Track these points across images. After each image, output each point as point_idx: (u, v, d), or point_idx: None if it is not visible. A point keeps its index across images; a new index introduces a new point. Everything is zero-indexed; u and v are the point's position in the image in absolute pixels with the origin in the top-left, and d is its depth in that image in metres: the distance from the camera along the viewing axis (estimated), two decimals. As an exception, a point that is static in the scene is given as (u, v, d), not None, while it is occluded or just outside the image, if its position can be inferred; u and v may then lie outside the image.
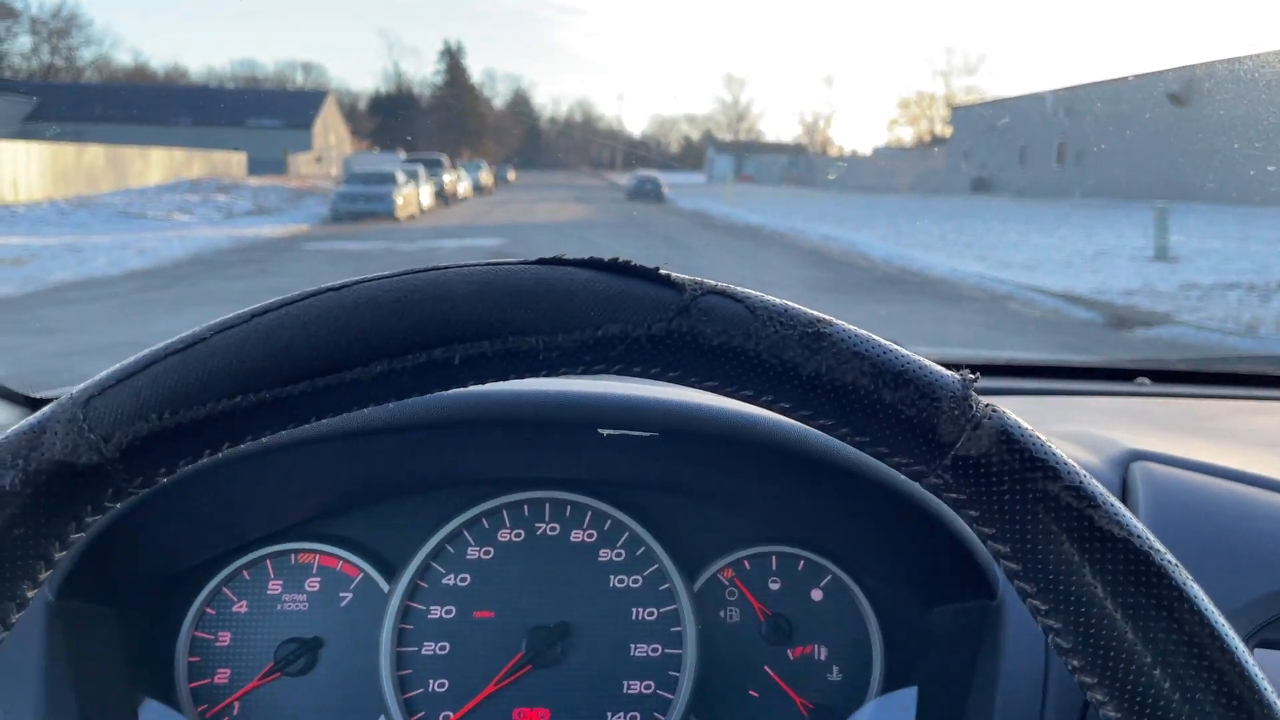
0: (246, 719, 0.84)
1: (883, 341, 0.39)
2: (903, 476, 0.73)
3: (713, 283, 0.39)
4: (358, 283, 0.38)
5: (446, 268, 0.38)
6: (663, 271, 0.39)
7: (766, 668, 0.87)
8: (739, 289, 0.39)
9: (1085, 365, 1.40)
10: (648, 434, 0.79)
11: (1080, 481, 0.37)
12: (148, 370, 0.36)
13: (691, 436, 0.80)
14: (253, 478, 0.80)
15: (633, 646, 0.86)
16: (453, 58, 53.77)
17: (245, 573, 0.87)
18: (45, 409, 0.36)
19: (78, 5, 37.07)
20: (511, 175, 36.77)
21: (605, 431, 0.79)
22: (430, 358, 0.36)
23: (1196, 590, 0.36)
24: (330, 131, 37.85)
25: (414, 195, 17.94)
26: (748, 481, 0.86)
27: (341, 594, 0.87)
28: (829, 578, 0.89)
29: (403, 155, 21.67)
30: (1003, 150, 25.64)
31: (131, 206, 16.51)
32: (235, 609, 0.86)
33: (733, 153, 52.33)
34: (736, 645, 0.88)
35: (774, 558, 0.90)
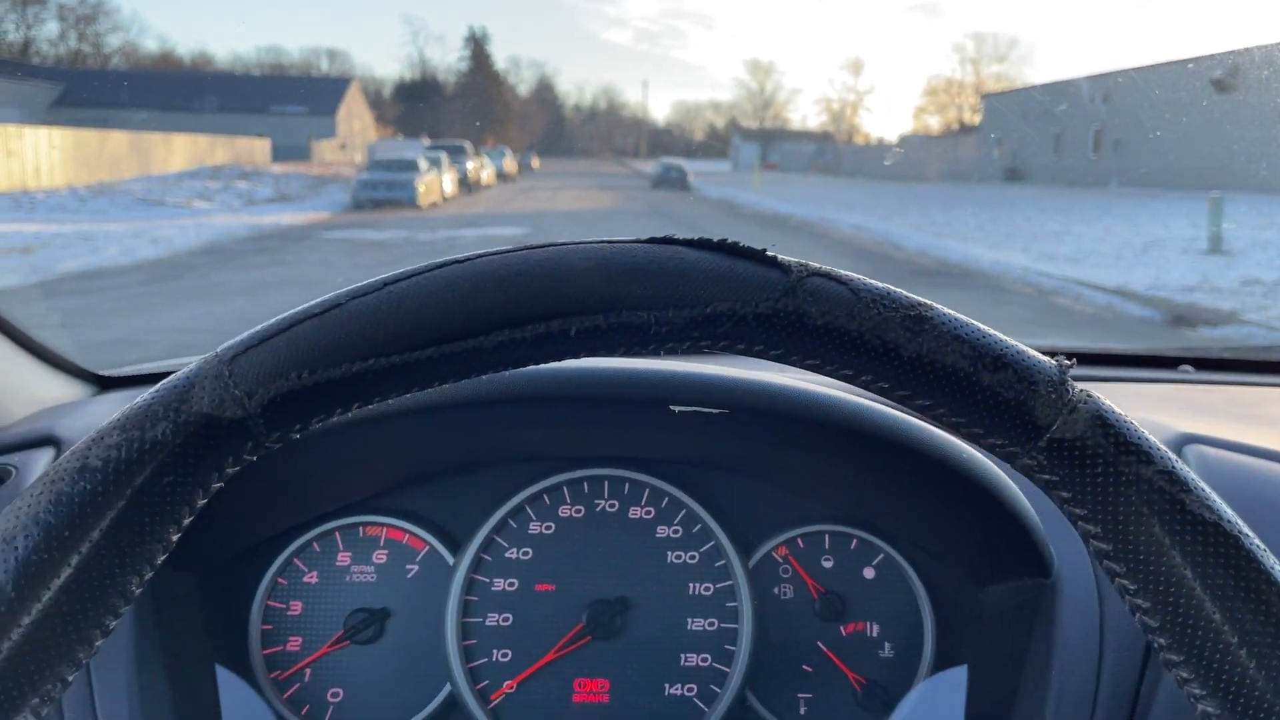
0: (316, 685, 0.87)
1: (982, 326, 0.40)
2: (962, 453, 0.75)
3: (817, 265, 0.40)
4: (481, 256, 0.39)
5: (563, 244, 0.40)
6: (769, 253, 0.40)
7: (820, 643, 0.89)
8: (844, 272, 0.40)
9: (1128, 353, 1.38)
10: (717, 410, 0.81)
11: (1173, 466, 0.38)
12: (288, 332, 0.38)
13: (758, 413, 0.81)
14: (325, 453, 0.82)
15: (689, 621, 0.88)
16: (477, 44, 53.52)
17: (316, 545, 0.89)
18: (191, 365, 0.38)
19: None
20: (536, 163, 36.68)
21: (677, 408, 0.81)
22: (548, 329, 0.38)
23: None
24: (354, 118, 37.79)
25: (436, 182, 17.51)
26: (807, 459, 0.88)
27: (408, 566, 0.89)
28: (881, 556, 0.90)
29: (426, 142, 21.41)
30: (1037, 138, 24.99)
31: (151, 193, 16.31)
32: (306, 579, 0.89)
33: (758, 140, 51.89)
34: (790, 621, 0.89)
35: (827, 536, 0.91)
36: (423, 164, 17.16)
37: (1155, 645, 0.38)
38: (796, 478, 0.90)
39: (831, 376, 0.40)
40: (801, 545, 0.91)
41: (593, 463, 0.90)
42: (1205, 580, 0.37)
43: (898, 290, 0.40)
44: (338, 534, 0.90)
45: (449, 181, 18.56)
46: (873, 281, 0.40)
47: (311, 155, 29.47)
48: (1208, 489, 0.38)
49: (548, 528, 0.90)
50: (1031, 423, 0.38)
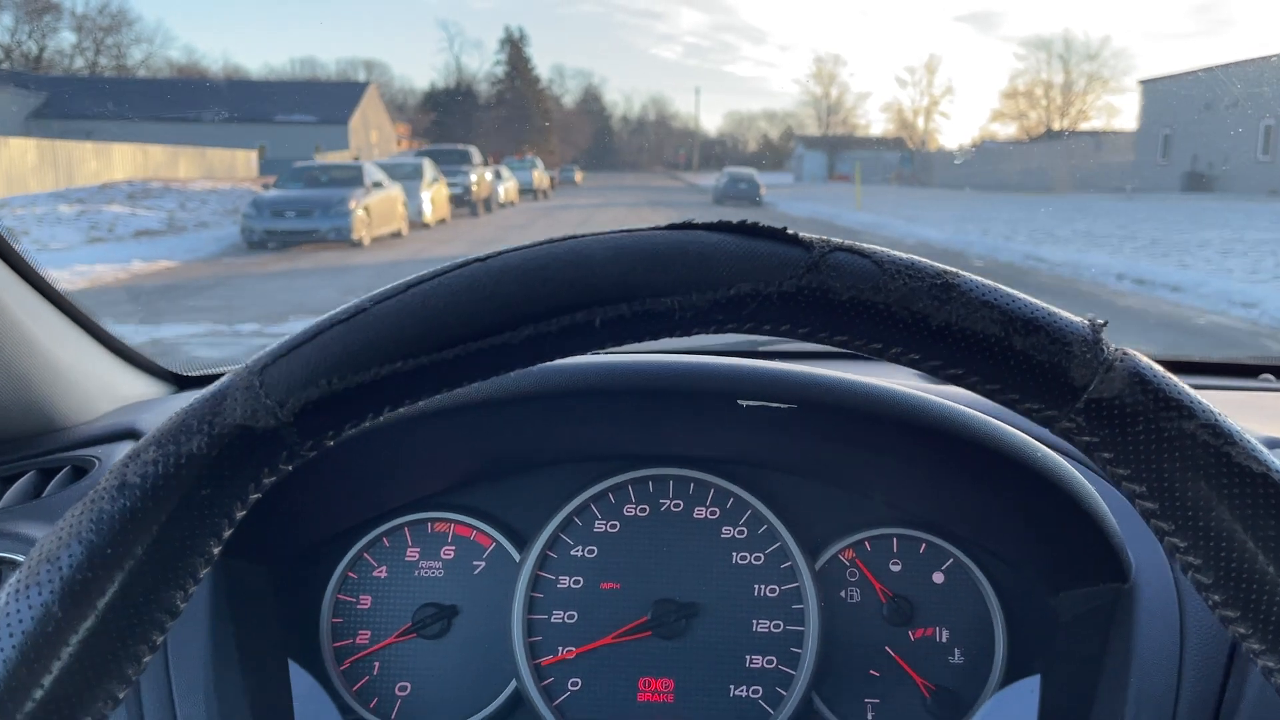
0: (385, 679, 0.88)
1: (1011, 290, 0.39)
2: (1037, 452, 0.74)
3: (839, 240, 0.40)
4: (503, 253, 0.39)
5: (584, 236, 0.40)
6: (790, 231, 0.39)
7: (887, 648, 0.87)
8: (866, 245, 0.40)
9: (1206, 361, 1.32)
10: (786, 406, 0.80)
11: (1216, 419, 0.37)
12: (316, 340, 0.38)
13: (827, 409, 0.80)
14: (393, 449, 0.83)
15: (755, 622, 0.87)
16: (514, 47, 48.60)
17: (385, 540, 0.91)
18: (223, 378, 0.39)
19: (125, 1, 34.05)
20: (578, 177, 32.81)
21: (745, 403, 0.80)
22: (573, 320, 0.38)
23: None
24: (371, 128, 33.31)
25: (391, 204, 11.59)
26: (877, 459, 0.86)
27: (475, 562, 0.90)
28: (950, 561, 0.89)
29: (402, 148, 15.92)
30: (1227, 135, 18.71)
31: (-13, 220, 11.04)
32: (375, 574, 0.90)
33: (824, 149, 46.65)
34: (857, 625, 0.88)
35: (895, 540, 0.89)
36: (372, 176, 11.36)
37: (1209, 603, 0.38)
38: (864, 479, 0.89)
39: (861, 352, 0.39)
40: (869, 548, 0.89)
41: (658, 462, 0.90)
42: (1257, 532, 0.36)
43: (923, 260, 0.39)
44: (407, 529, 0.91)
45: (430, 200, 12.93)
46: (898, 253, 0.39)
47: (314, 169, 24.80)
48: (1254, 441, 0.37)
49: (613, 526, 0.90)
50: (1068, 384, 0.38)
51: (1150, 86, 22.55)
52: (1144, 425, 0.37)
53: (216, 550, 0.37)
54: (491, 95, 48.02)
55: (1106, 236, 11.59)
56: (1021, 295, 0.39)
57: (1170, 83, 21.25)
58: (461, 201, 15.04)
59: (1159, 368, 0.38)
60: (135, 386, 1.10)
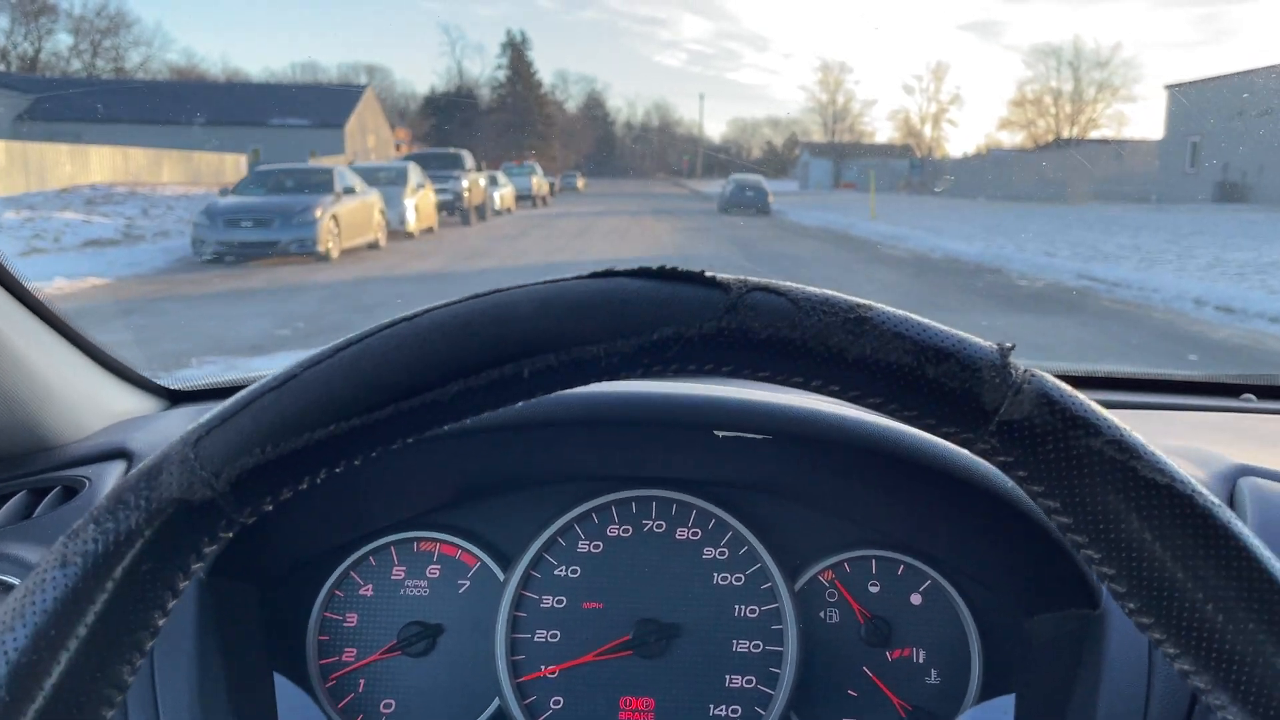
0: (370, 696, 0.89)
1: (922, 320, 0.41)
2: (1007, 482, 0.74)
3: (756, 280, 0.41)
4: (430, 310, 0.40)
5: (509, 289, 0.41)
6: (708, 274, 0.41)
7: (865, 668, 0.88)
8: (782, 283, 0.41)
9: (1189, 380, 1.32)
10: (761, 436, 0.82)
11: (1120, 435, 0.39)
12: (248, 409, 0.38)
13: (802, 439, 0.82)
14: (380, 471, 0.84)
15: (735, 642, 0.88)
16: (516, 50, 47.81)
17: (371, 559, 0.91)
18: (158, 452, 0.39)
19: (123, 3, 33.59)
20: (580, 183, 31.97)
21: (721, 434, 0.82)
22: (501, 374, 0.39)
23: (1241, 528, 0.38)
24: (369, 132, 32.64)
25: (366, 212, 10.32)
26: (853, 485, 0.88)
27: (460, 581, 0.91)
28: (928, 583, 0.90)
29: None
30: (1261, 143, 17.74)
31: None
32: (362, 592, 0.91)
33: (830, 156, 45.91)
34: (836, 645, 0.89)
35: (874, 561, 0.90)
36: (345, 182, 10.15)
37: (1126, 610, 0.39)
38: (842, 503, 0.90)
39: (784, 385, 0.41)
40: (848, 570, 0.90)
41: (641, 483, 0.91)
42: (1165, 541, 0.37)
43: (837, 295, 0.41)
44: (393, 549, 0.91)
45: (415, 208, 11.81)
46: (811, 289, 0.41)
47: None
48: (1158, 453, 0.39)
49: (596, 547, 0.91)
50: (979, 408, 0.39)
51: (1177, 92, 21.54)
52: (1054, 444, 0.38)
53: (162, 622, 0.38)
54: (493, 100, 47.28)
55: (1160, 252, 10.53)
56: (933, 324, 0.40)
57: (1198, 88, 20.27)
58: (452, 209, 14.04)
59: (1066, 387, 0.40)
60: (127, 402, 1.09)
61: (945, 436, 0.40)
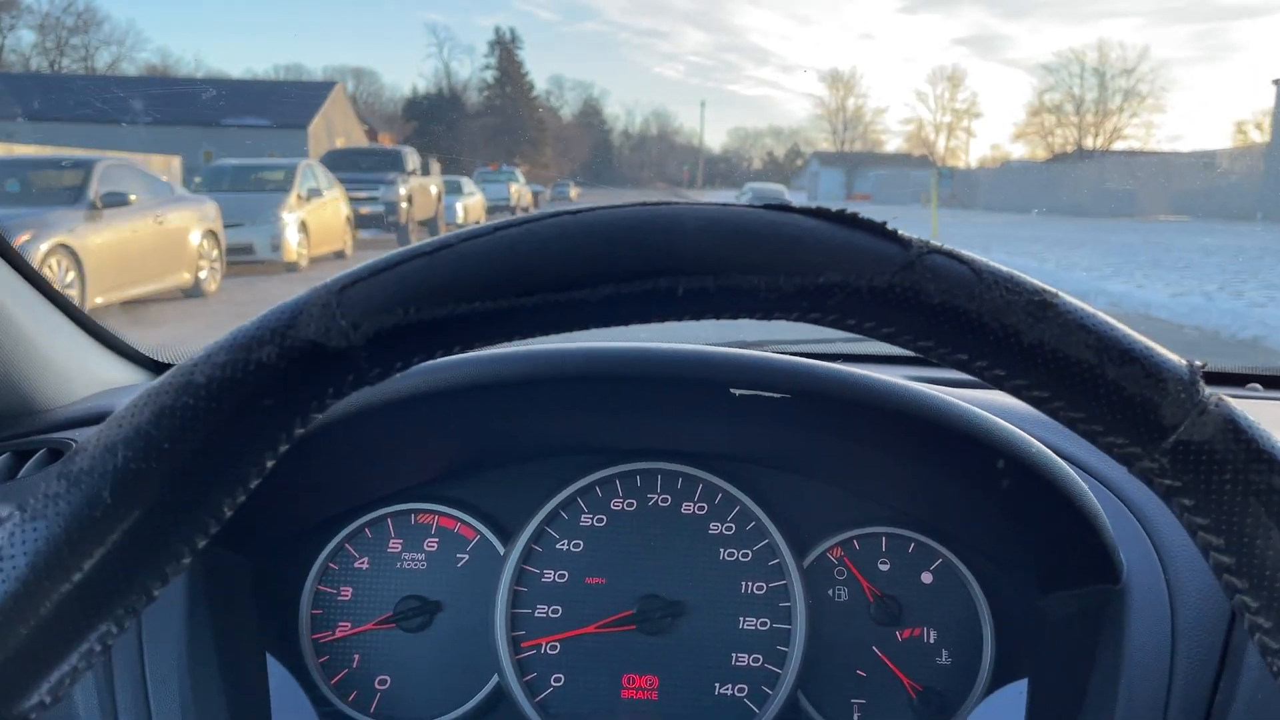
0: (364, 672, 0.86)
1: (1110, 319, 0.38)
2: (1030, 448, 0.72)
3: (938, 243, 0.38)
4: (595, 209, 0.39)
5: (679, 204, 0.39)
6: (889, 226, 0.38)
7: (875, 648, 0.87)
8: (966, 252, 0.39)
9: None
10: (779, 395, 0.79)
11: None
12: (398, 268, 0.37)
13: (819, 399, 0.79)
14: (378, 436, 0.82)
15: (741, 619, 0.87)
16: (505, 50, 44.51)
17: (367, 530, 0.90)
18: (302, 293, 0.38)
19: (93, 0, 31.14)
20: (574, 193, 29.01)
21: (737, 391, 0.79)
22: (655, 286, 0.37)
23: None
24: (337, 134, 29.11)
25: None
26: (870, 452, 0.85)
27: (459, 555, 0.89)
28: (939, 561, 0.88)
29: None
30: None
31: None
32: (357, 565, 0.89)
33: (841, 166, 42.67)
34: (844, 624, 0.87)
35: (884, 539, 0.89)
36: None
37: (1273, 669, 0.36)
38: (855, 475, 0.88)
39: (942, 361, 0.38)
40: (857, 547, 0.89)
41: (645, 456, 0.89)
42: None
43: (1022, 274, 0.38)
44: (390, 520, 0.90)
45: (299, 224, 8.32)
46: (996, 264, 0.38)
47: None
48: None
49: (599, 520, 0.89)
50: (1157, 422, 0.36)
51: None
52: (1231, 475, 0.36)
53: (270, 464, 0.37)
54: (480, 102, 43.93)
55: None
56: (1121, 325, 0.37)
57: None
58: (384, 224, 10.47)
59: (1255, 418, 0.37)
60: (114, 372, 1.10)
61: (1107, 448, 0.37)
